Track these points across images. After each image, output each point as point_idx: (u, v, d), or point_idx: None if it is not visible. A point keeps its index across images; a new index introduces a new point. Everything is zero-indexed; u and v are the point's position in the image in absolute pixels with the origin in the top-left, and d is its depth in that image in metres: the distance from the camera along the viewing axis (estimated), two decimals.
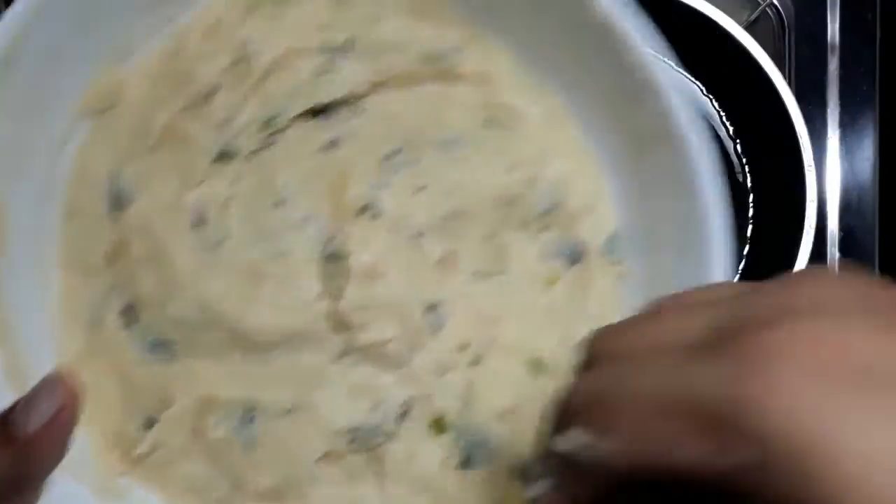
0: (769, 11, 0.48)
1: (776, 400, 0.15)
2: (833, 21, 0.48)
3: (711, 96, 0.44)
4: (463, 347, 0.30)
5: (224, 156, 0.30)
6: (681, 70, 0.45)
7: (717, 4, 0.40)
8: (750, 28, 0.47)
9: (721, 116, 0.44)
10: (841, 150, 0.48)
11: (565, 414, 0.19)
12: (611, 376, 0.19)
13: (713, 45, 0.41)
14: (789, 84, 0.45)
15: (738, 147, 0.44)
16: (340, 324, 0.29)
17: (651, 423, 0.17)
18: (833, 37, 0.48)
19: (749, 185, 0.44)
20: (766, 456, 0.15)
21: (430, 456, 0.29)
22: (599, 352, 0.20)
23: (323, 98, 0.30)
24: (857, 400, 0.15)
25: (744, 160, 0.44)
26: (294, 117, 0.30)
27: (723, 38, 0.40)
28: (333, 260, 0.29)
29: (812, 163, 0.40)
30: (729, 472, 0.16)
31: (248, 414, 0.29)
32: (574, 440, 0.18)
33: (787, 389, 0.15)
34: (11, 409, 0.23)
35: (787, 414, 0.15)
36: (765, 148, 0.43)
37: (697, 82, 0.44)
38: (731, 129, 0.44)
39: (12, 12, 0.26)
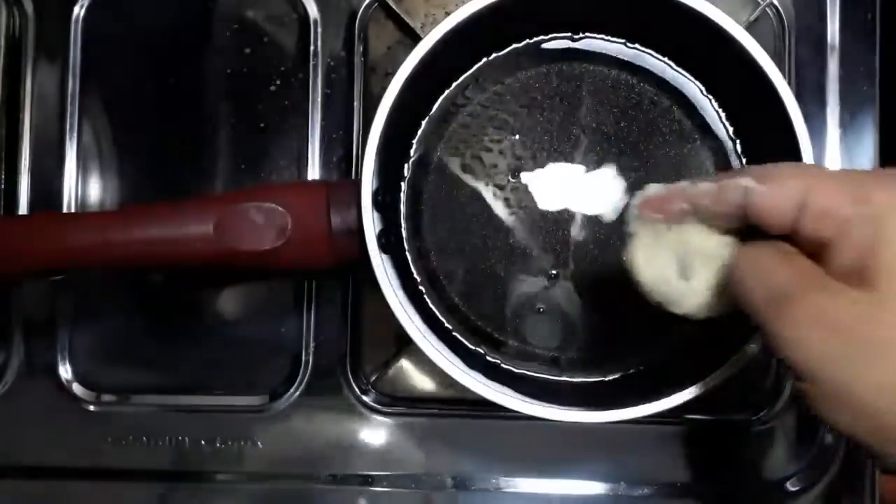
0: (769, 11, 0.48)
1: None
2: (833, 21, 0.48)
3: (711, 96, 0.44)
4: None
5: None
6: (681, 70, 0.45)
7: (717, 4, 0.40)
8: (750, 28, 0.47)
9: (721, 116, 0.44)
10: (841, 150, 0.48)
11: (735, 174, 0.31)
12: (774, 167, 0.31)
13: (713, 45, 0.41)
14: (789, 84, 0.45)
15: (738, 147, 0.44)
16: None
17: (824, 187, 0.28)
18: (833, 37, 0.48)
19: None
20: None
21: None
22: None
23: None
24: None
25: (744, 160, 0.44)
26: None
27: (723, 38, 0.40)
28: None
29: (812, 163, 0.40)
30: (870, 215, 0.26)
31: None
32: (749, 182, 0.29)
33: None
34: None
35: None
36: (765, 148, 0.43)
37: (697, 82, 0.44)
38: (731, 129, 0.44)
39: None
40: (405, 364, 0.48)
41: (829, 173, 0.29)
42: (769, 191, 0.28)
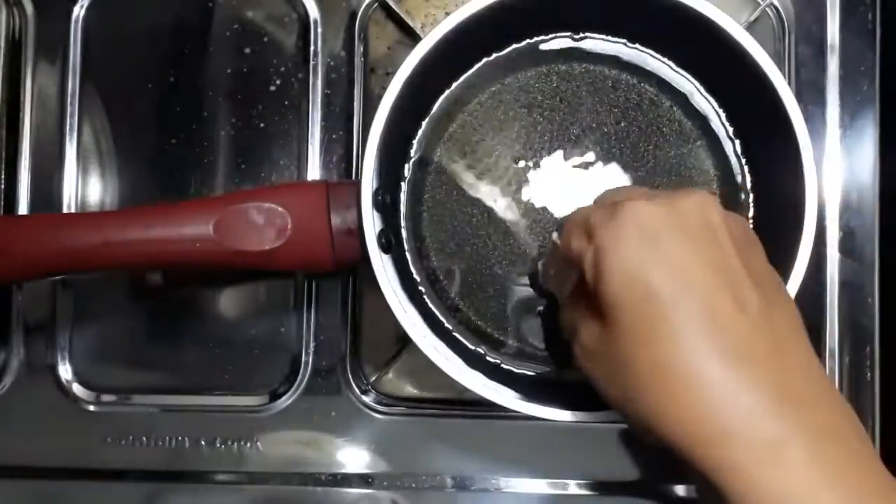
0: (769, 11, 0.48)
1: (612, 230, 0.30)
2: (833, 21, 0.48)
3: (711, 96, 0.44)
4: None
5: None
6: (681, 70, 0.45)
7: (717, 4, 0.40)
8: (750, 28, 0.47)
9: (721, 116, 0.44)
10: (841, 150, 0.48)
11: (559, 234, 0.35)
12: (567, 218, 0.34)
13: (713, 46, 0.41)
14: (789, 84, 0.45)
15: (738, 147, 0.44)
16: None
17: (571, 231, 0.32)
18: (833, 37, 0.48)
19: (749, 185, 0.44)
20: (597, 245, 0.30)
21: None
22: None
23: None
24: (632, 237, 0.29)
25: (744, 160, 0.44)
26: None
27: (723, 38, 0.40)
28: None
29: (812, 163, 0.40)
30: (591, 253, 0.30)
31: None
32: (555, 237, 0.35)
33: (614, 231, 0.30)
34: None
35: (612, 231, 0.30)
36: (765, 148, 0.43)
37: (697, 83, 0.44)
38: (731, 129, 0.44)
39: None
40: (405, 364, 0.48)
41: (585, 212, 0.32)
42: (562, 243, 0.33)
